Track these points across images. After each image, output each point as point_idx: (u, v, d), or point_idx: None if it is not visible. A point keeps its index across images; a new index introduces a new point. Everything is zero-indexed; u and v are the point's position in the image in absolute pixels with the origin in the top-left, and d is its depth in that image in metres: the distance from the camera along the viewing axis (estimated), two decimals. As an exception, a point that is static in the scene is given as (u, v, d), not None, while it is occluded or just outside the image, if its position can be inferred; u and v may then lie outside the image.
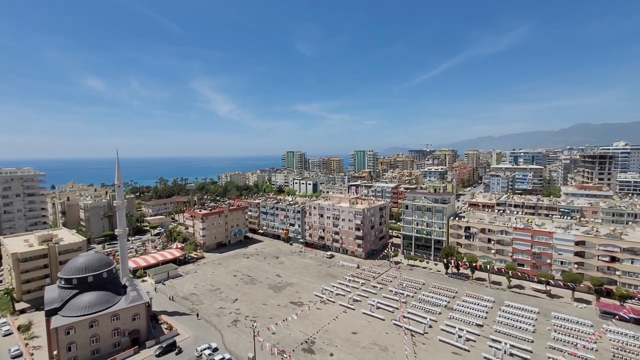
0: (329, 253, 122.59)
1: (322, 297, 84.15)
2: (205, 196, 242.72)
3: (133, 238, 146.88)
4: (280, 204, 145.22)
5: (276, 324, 68.88)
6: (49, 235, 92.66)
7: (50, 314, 59.72)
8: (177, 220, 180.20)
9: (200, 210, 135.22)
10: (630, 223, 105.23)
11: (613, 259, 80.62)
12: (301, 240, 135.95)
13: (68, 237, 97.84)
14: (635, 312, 69.87)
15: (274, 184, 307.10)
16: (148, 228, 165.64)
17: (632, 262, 78.47)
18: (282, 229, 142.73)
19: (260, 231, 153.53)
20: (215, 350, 61.94)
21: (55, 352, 57.37)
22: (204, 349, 61.24)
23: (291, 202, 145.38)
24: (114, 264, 71.37)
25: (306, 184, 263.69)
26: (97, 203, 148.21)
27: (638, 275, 77.51)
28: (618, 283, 79.46)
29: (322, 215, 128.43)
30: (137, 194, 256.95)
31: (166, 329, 69.77)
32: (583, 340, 62.62)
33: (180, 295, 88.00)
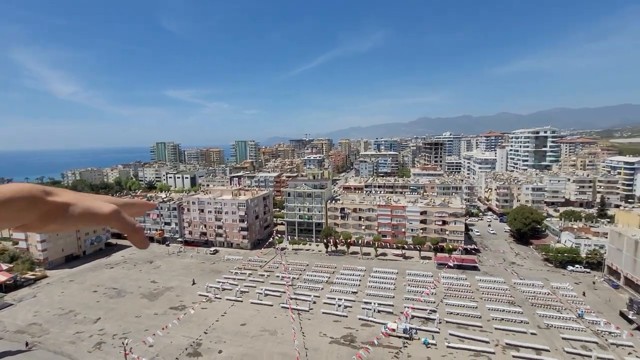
0: (212, 249, 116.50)
1: (208, 296, 79.98)
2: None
3: None
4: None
5: (154, 334, 61.74)
6: None
7: None
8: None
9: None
10: (453, 194, 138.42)
11: (444, 223, 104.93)
12: (180, 239, 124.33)
13: None
14: (457, 260, 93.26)
15: (141, 180, 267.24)
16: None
17: (455, 223, 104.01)
18: (156, 230, 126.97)
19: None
20: (73, 384, 51.25)
21: None
22: (55, 387, 49.82)
23: (165, 199, 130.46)
24: None
25: (182, 177, 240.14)
26: None
27: (458, 233, 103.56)
28: (447, 240, 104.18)
29: (202, 210, 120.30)
30: None
31: (-9, 377, 53.30)
32: (426, 288, 79.86)
33: (11, 330, 68.04)
